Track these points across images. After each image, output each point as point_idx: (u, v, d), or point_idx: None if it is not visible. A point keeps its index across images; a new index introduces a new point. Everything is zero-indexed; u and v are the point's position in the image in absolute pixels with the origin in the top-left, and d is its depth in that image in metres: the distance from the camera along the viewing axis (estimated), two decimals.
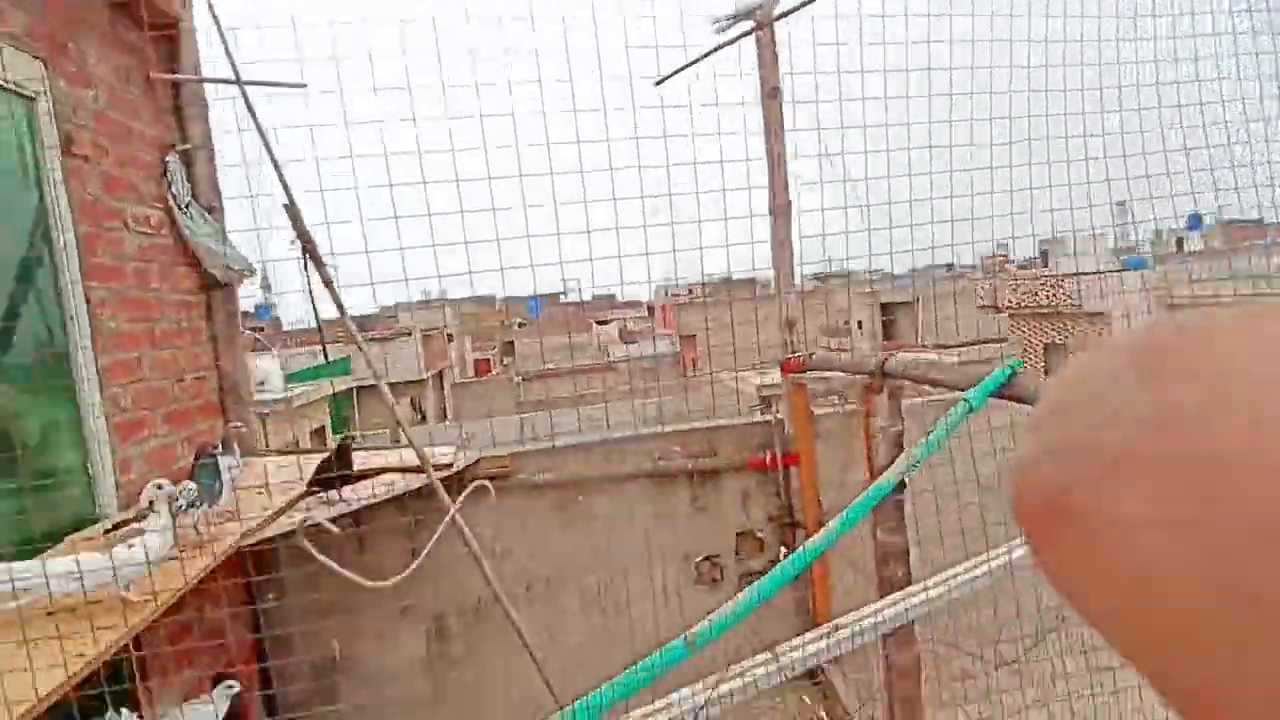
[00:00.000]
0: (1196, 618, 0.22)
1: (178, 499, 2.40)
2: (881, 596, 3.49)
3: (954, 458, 3.79)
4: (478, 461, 4.33)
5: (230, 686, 2.87)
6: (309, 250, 3.63)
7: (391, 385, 7.33)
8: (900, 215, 3.69)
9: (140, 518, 2.23)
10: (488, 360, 21.45)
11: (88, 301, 3.15)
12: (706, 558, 4.50)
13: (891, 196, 3.70)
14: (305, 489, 3.43)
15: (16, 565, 1.98)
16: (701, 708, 1.06)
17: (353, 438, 3.46)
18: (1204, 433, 0.22)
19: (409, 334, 14.42)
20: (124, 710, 2.57)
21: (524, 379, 16.12)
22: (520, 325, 21.33)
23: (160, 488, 2.20)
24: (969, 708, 2.60)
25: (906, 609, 1.29)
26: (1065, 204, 3.88)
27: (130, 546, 2.16)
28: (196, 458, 2.65)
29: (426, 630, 4.37)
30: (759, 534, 4.50)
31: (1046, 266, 22.28)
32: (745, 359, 4.71)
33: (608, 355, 19.73)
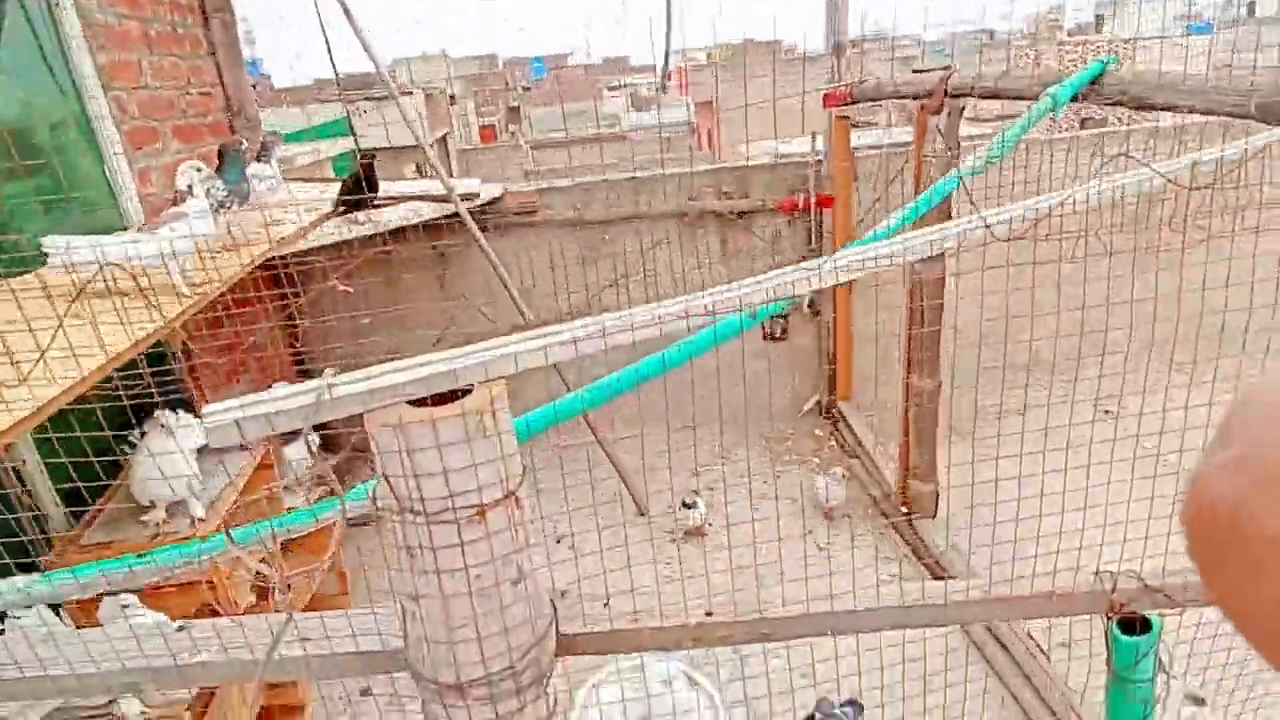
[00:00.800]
0: None
1: (209, 191, 2.31)
2: (910, 329, 3.54)
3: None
4: (503, 196, 4.21)
5: None
6: None
7: (394, 149, 6.92)
8: None
9: (179, 202, 2.17)
10: (492, 126, 20.40)
11: None
12: None
13: None
14: (332, 208, 3.35)
15: (65, 237, 1.94)
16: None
17: (373, 154, 3.29)
18: None
19: (411, 93, 13.52)
20: (180, 410, 2.70)
21: (532, 147, 15.47)
22: (525, 89, 20.06)
23: (199, 170, 2.10)
24: (986, 441, 2.69)
25: (932, 240, 1.22)
26: None
27: (173, 230, 2.11)
28: (220, 153, 2.52)
29: None
30: None
31: (1100, 33, 20.36)
32: (770, 127, 4.33)
33: (619, 123, 18.72)
